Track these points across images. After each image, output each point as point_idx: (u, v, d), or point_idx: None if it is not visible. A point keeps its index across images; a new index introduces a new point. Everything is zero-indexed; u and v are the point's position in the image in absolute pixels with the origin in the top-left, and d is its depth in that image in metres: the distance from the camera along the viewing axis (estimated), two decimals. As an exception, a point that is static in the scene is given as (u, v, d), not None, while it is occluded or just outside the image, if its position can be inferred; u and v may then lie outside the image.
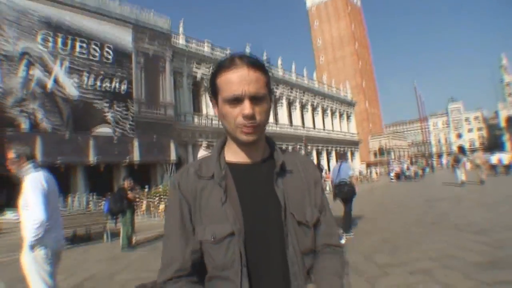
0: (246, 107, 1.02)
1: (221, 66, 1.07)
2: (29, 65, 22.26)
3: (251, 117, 1.02)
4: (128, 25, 27.89)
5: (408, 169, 36.06)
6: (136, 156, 26.21)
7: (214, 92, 1.10)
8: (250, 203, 1.08)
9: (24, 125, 21.70)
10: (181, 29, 33.64)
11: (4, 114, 20.85)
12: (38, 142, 21.81)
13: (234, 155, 1.14)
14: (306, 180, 1.19)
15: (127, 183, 9.82)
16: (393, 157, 71.33)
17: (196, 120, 32.98)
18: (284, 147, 42.56)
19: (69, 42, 24.29)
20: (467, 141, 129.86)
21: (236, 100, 1.03)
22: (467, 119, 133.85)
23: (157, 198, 18.19)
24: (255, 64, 1.05)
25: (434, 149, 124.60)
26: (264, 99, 1.06)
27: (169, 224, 1.12)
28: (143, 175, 26.67)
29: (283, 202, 1.09)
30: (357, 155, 62.31)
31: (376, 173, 45.24)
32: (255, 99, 1.03)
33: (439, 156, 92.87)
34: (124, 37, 27.43)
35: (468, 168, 26.06)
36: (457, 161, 21.56)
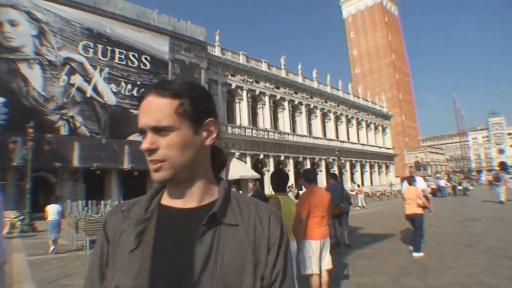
0: (143, 140, 0.87)
1: (141, 93, 0.95)
2: (71, 72, 23.06)
3: (150, 151, 0.86)
4: (166, 35, 28.37)
5: (445, 185, 34.35)
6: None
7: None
8: (166, 257, 0.86)
9: (64, 130, 22.36)
10: (217, 40, 33.86)
11: (45, 119, 21.49)
12: (76, 146, 22.46)
13: (168, 197, 0.95)
14: (255, 241, 0.89)
15: None
16: (429, 172, 68.81)
17: (229, 129, 32.93)
18: (317, 159, 42.01)
19: (109, 51, 24.98)
20: (510, 157, 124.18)
21: (143, 133, 0.87)
22: (510, 134, 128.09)
23: None
24: (162, 89, 0.87)
25: (473, 165, 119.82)
26: (171, 130, 0.86)
27: (91, 262, 0.95)
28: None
29: (201, 264, 0.83)
30: (392, 170, 60.63)
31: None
32: (158, 131, 0.86)
33: (478, 172, 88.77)
34: (161, 46, 27.91)
35: (510, 186, 24.54)
36: (497, 179, 20.37)
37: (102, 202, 21.72)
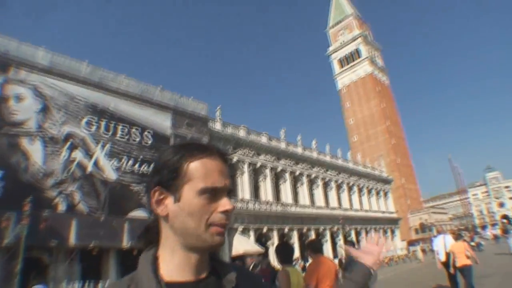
0: (228, 202, 0.89)
1: (192, 149, 0.92)
2: (72, 147, 23.06)
3: (228, 214, 0.90)
4: (168, 110, 28.91)
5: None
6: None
7: (174, 179, 0.89)
8: None
9: (61, 206, 21.72)
10: (218, 114, 34.58)
11: (43, 195, 20.96)
12: (74, 224, 21.65)
13: (176, 271, 0.89)
14: None
15: None
16: (435, 232, 67.27)
17: (231, 203, 32.27)
18: (321, 229, 40.96)
19: (112, 126, 25.23)
20: (510, 209, 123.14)
21: (214, 193, 0.88)
22: (507, 187, 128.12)
23: None
24: (227, 156, 0.96)
25: (477, 221, 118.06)
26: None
27: None
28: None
29: None
30: (397, 233, 59.59)
31: (423, 250, 41.66)
32: (229, 195, 0.91)
33: (483, 227, 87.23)
34: (163, 121, 28.30)
35: None
36: (506, 231, 20.26)
37: (100, 283, 20.60)
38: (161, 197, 0.88)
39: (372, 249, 1.39)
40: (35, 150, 21.58)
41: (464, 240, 13.10)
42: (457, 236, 10.17)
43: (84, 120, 23.98)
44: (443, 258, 10.53)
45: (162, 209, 0.88)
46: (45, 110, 22.49)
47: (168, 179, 0.88)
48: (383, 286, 15.69)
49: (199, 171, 0.88)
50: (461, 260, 9.48)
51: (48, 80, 22.97)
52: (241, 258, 28.33)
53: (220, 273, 0.96)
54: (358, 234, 48.71)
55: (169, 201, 0.88)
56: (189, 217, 0.87)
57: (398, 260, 40.95)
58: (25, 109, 21.66)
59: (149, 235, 0.94)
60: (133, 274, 0.89)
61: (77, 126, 23.58)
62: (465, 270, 9.39)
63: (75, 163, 23.01)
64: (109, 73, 26.76)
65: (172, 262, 0.89)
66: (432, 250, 38.68)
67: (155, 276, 0.85)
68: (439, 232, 13.48)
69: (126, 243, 23.55)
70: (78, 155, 23.27)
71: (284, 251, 4.48)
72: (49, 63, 23.27)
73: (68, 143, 22.95)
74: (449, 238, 10.77)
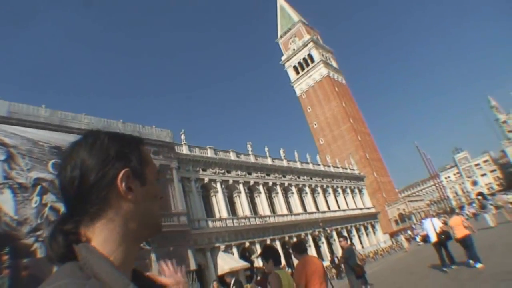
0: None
1: (139, 139, 0.95)
2: (42, 192, 22.72)
3: None
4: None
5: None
6: (155, 270, 25.33)
7: (140, 163, 0.88)
8: None
9: (40, 252, 21.32)
10: (183, 138, 34.90)
11: (20, 243, 20.62)
12: (55, 269, 21.19)
13: (121, 268, 0.78)
14: None
15: None
16: (415, 220, 69.10)
17: (210, 224, 32.52)
18: (303, 235, 41.52)
19: (79, 165, 24.94)
20: (484, 186, 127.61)
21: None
22: (477, 165, 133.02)
23: None
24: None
25: (454, 203, 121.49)
26: None
27: None
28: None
29: None
30: (378, 227, 60.78)
31: (407, 239, 42.93)
32: None
33: (461, 208, 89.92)
34: (129, 155, 28.28)
35: (493, 212, 25.40)
36: (483, 207, 21.30)
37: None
38: (129, 181, 0.84)
39: (177, 279, 1.35)
40: (5, 200, 21.24)
41: (458, 214, 14.80)
42: (452, 212, 11.84)
43: (50, 163, 23.82)
44: (434, 239, 11.51)
45: (131, 195, 0.83)
46: (9, 159, 22.16)
47: (136, 163, 0.86)
48: (372, 279, 16.26)
49: (148, 155, 0.93)
50: (460, 232, 10.53)
51: (8, 129, 22.69)
52: (251, 269, 28.33)
53: None
54: (339, 234, 49.51)
55: (135, 185, 0.85)
56: (154, 201, 0.89)
57: (383, 253, 41.74)
58: (-10, 163, 21.34)
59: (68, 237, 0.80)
60: (86, 280, 0.70)
61: (44, 170, 23.27)
62: (466, 240, 10.29)
63: (47, 207, 22.67)
64: (68, 113, 26.83)
65: (117, 258, 0.79)
66: (414, 238, 40.08)
67: (122, 274, 0.73)
68: (426, 216, 15.51)
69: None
70: (49, 198, 22.84)
71: (273, 254, 4.55)
72: (6, 113, 23.10)
73: (38, 188, 22.63)
74: (436, 220, 11.94)
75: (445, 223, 14.77)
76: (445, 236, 11.19)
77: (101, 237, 0.79)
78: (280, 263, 4.58)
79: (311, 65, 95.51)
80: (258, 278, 9.96)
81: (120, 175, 0.82)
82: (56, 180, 0.86)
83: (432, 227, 11.63)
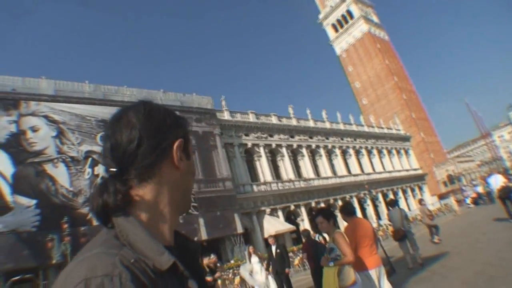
0: None
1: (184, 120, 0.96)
2: (94, 164, 23.91)
3: None
4: (175, 111, 29.09)
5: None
6: (203, 234, 26.16)
7: (186, 145, 0.89)
8: None
9: (95, 221, 22.47)
10: (224, 105, 34.76)
11: (77, 213, 21.94)
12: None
13: (165, 237, 0.82)
14: None
15: (207, 261, 8.42)
16: (464, 182, 66.43)
17: (255, 188, 32.77)
18: (348, 198, 41.08)
19: (125, 135, 25.77)
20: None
21: None
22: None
23: (230, 272, 18.17)
24: None
25: (507, 163, 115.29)
26: None
27: None
28: (213, 251, 26.33)
29: None
30: (425, 189, 59.07)
31: (457, 201, 41.26)
32: None
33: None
34: (172, 122, 28.63)
35: None
36: None
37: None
38: (178, 155, 0.85)
39: None
40: (60, 174, 22.48)
41: None
42: (505, 172, 13.51)
43: (98, 136, 24.64)
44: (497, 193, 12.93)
45: (183, 165, 0.86)
46: (60, 134, 23.28)
47: (186, 135, 0.90)
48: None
49: (187, 138, 0.92)
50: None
51: (56, 106, 23.67)
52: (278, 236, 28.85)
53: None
54: (385, 196, 48.46)
55: (183, 157, 0.86)
56: (192, 176, 0.91)
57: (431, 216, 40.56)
58: (42, 138, 22.50)
59: (120, 199, 0.77)
60: (119, 249, 0.70)
61: (93, 143, 24.29)
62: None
63: (99, 177, 23.79)
64: (111, 87, 27.48)
65: (160, 227, 0.81)
66: (464, 201, 38.58)
67: (157, 241, 0.74)
68: (491, 173, 17.03)
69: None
70: (100, 169, 23.88)
71: (332, 214, 4.42)
72: (53, 91, 24.08)
73: (89, 161, 23.78)
74: (500, 177, 13.34)
75: (509, 180, 14.75)
76: (508, 191, 12.16)
77: (147, 200, 0.80)
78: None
79: (350, 22, 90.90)
80: (303, 241, 9.74)
81: (177, 143, 0.85)
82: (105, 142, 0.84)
83: (495, 182, 13.13)
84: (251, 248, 10.73)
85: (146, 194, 0.80)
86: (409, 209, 49.95)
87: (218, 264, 11.19)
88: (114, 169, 0.82)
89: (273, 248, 10.68)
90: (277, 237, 26.05)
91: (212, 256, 9.29)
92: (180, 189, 0.85)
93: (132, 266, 0.66)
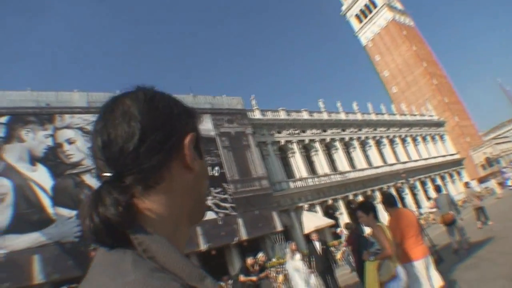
0: None
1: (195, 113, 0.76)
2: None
3: None
4: (206, 113, 29.53)
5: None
6: (243, 234, 26.34)
7: (197, 141, 0.72)
8: None
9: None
10: (254, 104, 34.94)
11: None
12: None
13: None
14: None
15: (250, 260, 8.72)
16: (503, 164, 63.89)
17: (291, 184, 32.80)
18: (385, 188, 40.39)
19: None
20: None
21: None
22: None
23: (273, 270, 18.28)
24: None
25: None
26: None
27: None
28: (255, 250, 26.49)
29: None
30: (464, 174, 57.26)
31: (499, 183, 39.58)
32: None
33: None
34: (205, 125, 28.97)
35: None
36: None
37: None
38: (192, 155, 0.68)
39: None
40: (98, 183, 23.21)
41: None
42: None
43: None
44: None
45: (196, 164, 0.69)
46: (94, 145, 24.16)
47: (197, 129, 0.74)
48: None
49: (200, 137, 0.75)
50: None
51: (90, 118, 24.30)
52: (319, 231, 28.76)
53: None
54: (423, 184, 47.41)
55: (196, 156, 0.70)
56: (206, 178, 0.75)
57: (473, 200, 39.20)
58: (78, 149, 23.20)
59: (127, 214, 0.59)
60: (163, 273, 0.54)
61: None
62: None
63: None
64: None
65: (175, 245, 0.60)
66: (505, 183, 37.06)
67: (193, 264, 0.58)
68: None
69: (202, 246, 24.58)
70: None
71: (372, 207, 4.46)
72: (86, 103, 24.81)
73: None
74: None
75: None
76: None
77: (157, 213, 0.63)
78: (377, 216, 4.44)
79: (374, 11, 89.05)
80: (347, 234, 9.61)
81: (189, 137, 0.67)
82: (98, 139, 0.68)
83: None
84: (293, 245, 10.50)
85: (154, 205, 0.63)
86: (449, 196, 48.64)
87: (264, 264, 11.14)
88: (109, 174, 0.66)
89: (317, 244, 10.14)
90: (318, 231, 26.00)
91: (261, 254, 9.49)
92: (194, 196, 0.69)
93: None
